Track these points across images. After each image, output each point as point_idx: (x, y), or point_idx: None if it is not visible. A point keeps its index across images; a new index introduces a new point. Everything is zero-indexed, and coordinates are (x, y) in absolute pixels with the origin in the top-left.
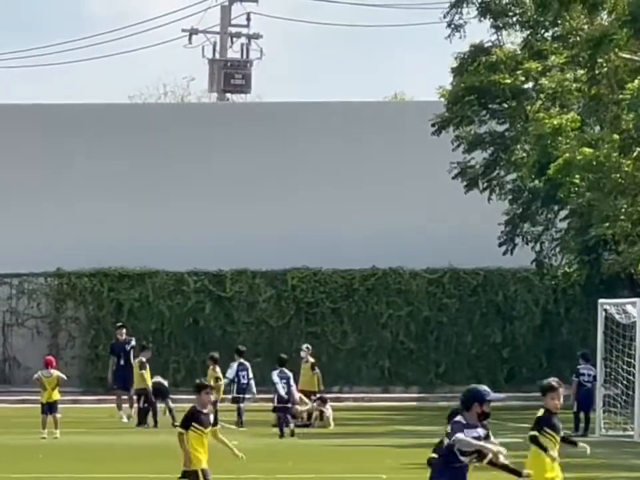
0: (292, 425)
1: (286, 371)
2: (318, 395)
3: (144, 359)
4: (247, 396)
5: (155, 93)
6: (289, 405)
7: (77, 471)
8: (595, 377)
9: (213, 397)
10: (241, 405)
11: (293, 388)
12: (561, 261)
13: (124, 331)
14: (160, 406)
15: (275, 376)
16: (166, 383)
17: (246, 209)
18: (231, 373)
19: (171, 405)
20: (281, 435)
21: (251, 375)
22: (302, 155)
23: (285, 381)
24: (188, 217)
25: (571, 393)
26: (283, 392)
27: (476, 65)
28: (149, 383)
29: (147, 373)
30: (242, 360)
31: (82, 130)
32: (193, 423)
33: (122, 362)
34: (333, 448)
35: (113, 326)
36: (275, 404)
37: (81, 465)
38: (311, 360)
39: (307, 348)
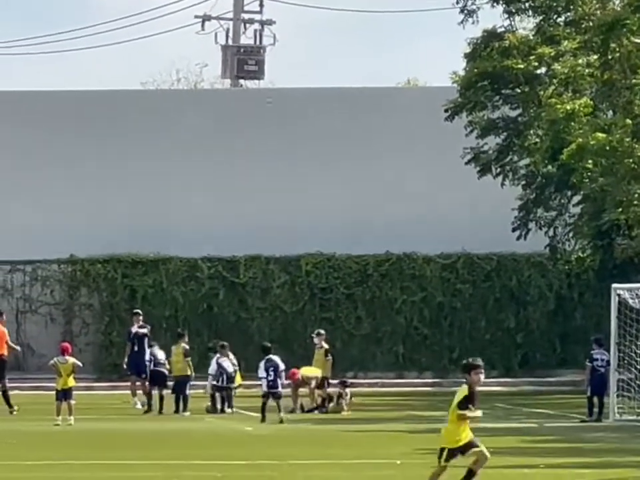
0: (282, 413)
1: (273, 358)
2: (342, 379)
3: (187, 347)
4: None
5: (168, 79)
6: (277, 391)
7: (90, 457)
8: (608, 362)
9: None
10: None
11: (282, 374)
12: (575, 246)
13: (140, 317)
14: (154, 393)
15: (260, 370)
16: (167, 372)
17: (259, 195)
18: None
19: (164, 393)
20: (263, 419)
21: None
22: (315, 141)
23: (272, 369)
24: (201, 203)
25: (585, 377)
26: (265, 384)
27: (489, 51)
28: (192, 372)
29: (189, 361)
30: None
31: (94, 116)
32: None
33: (136, 348)
34: (347, 433)
35: (127, 312)
36: (265, 390)
37: (94, 452)
38: (325, 346)
39: (319, 334)
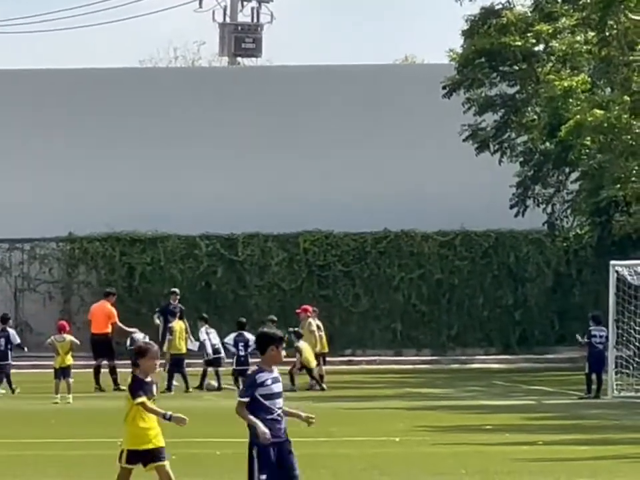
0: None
1: (245, 334)
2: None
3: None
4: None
5: (166, 57)
6: (247, 367)
7: (89, 435)
8: (606, 338)
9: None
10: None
11: (250, 350)
12: (573, 223)
13: (177, 296)
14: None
15: (229, 344)
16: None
17: (257, 172)
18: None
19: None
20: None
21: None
22: (313, 119)
23: (242, 344)
24: (200, 181)
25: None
26: (235, 361)
27: (486, 28)
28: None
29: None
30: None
31: (92, 95)
32: None
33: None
34: (346, 411)
35: (125, 290)
36: (234, 367)
37: (93, 430)
38: (317, 322)
39: (314, 311)
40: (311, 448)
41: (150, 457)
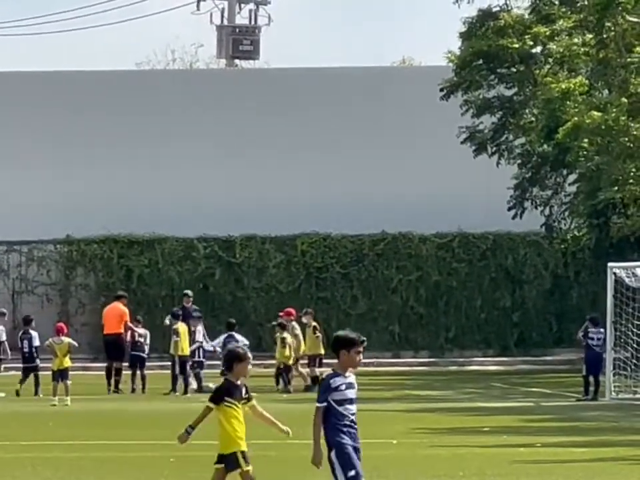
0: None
1: (235, 335)
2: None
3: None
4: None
5: (163, 59)
6: None
7: (87, 437)
8: (604, 340)
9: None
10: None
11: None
12: (570, 225)
13: (191, 299)
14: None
15: (218, 345)
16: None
17: (255, 174)
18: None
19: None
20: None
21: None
22: (310, 121)
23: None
24: (197, 183)
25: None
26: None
27: (484, 30)
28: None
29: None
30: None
31: (89, 97)
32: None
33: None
34: None
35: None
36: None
37: (91, 432)
38: (313, 323)
39: (306, 312)
40: (309, 450)
41: (234, 460)
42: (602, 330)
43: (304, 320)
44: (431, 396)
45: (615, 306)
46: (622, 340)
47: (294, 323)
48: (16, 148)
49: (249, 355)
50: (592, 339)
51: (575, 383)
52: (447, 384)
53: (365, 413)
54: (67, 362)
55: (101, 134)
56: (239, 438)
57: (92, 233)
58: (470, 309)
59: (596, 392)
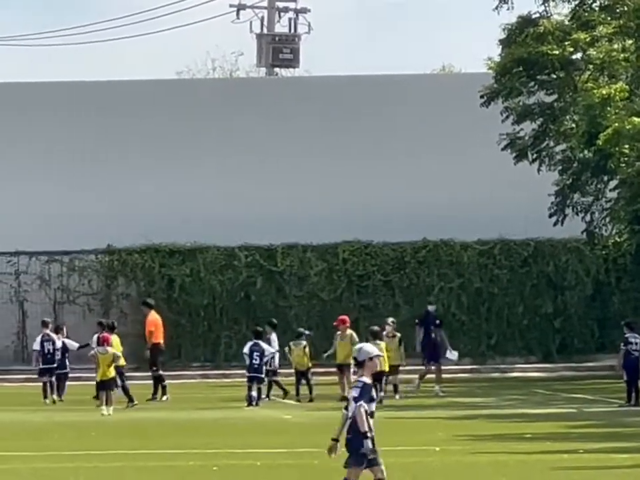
0: (264, 396)
1: (260, 343)
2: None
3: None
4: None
5: (204, 68)
6: (260, 376)
7: (129, 447)
8: None
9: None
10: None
11: (266, 360)
12: (611, 231)
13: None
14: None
15: (245, 348)
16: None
17: (296, 183)
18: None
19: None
20: (249, 404)
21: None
22: (351, 129)
23: (257, 353)
24: (239, 192)
25: (617, 361)
26: (248, 361)
27: (524, 37)
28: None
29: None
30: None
31: (131, 106)
32: None
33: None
34: (386, 420)
35: (165, 302)
36: (248, 373)
37: (133, 441)
38: (398, 335)
39: (393, 322)
40: None
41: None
42: (638, 335)
43: (387, 329)
44: (473, 403)
45: None
46: None
47: (351, 332)
48: (57, 158)
49: None
50: (630, 343)
51: (617, 389)
52: (489, 391)
53: (408, 420)
54: (111, 372)
55: (141, 144)
56: None
57: (133, 242)
58: (512, 315)
59: (637, 397)
